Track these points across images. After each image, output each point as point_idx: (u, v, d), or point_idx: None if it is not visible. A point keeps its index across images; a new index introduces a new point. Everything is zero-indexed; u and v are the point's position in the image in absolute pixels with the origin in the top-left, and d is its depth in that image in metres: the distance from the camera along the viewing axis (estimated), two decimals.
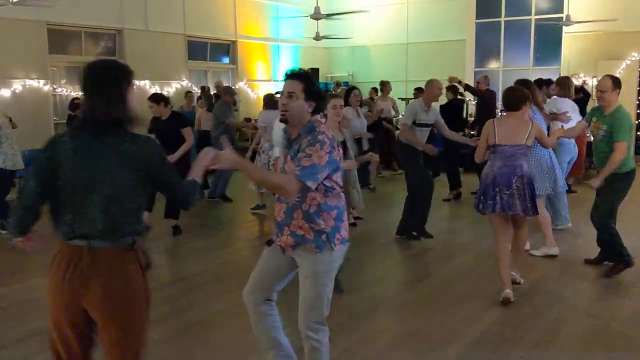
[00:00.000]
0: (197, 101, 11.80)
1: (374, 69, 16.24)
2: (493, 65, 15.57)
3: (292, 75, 3.00)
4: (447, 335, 4.26)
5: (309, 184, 2.85)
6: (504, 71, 14.76)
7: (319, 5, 13.12)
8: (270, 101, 8.21)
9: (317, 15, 13.10)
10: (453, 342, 4.13)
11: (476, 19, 15.14)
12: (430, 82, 6.75)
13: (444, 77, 8.92)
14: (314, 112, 3.03)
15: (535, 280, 5.40)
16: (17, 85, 10.18)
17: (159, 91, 12.40)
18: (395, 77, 14.19)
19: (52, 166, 2.43)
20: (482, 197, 4.78)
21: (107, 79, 2.47)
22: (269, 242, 3.29)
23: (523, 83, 5.89)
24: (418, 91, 10.27)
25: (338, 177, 3.06)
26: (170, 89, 12.75)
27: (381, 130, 10.56)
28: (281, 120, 3.04)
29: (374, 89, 12.73)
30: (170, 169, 2.58)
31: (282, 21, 15.60)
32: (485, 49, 15.62)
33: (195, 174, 2.65)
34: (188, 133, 7.02)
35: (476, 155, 4.95)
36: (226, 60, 14.71)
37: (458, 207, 9.06)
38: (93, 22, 11.39)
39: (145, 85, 12.21)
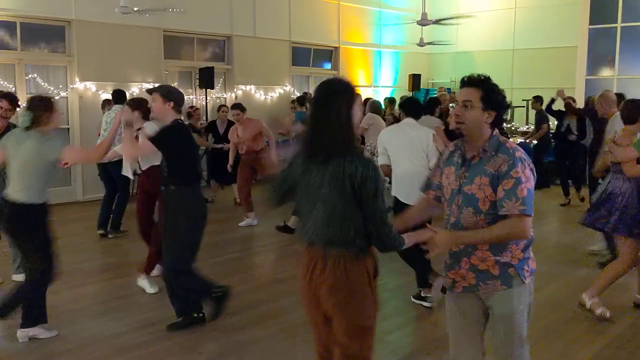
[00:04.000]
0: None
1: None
2: (606, 73, 14.77)
3: (468, 82, 2.66)
4: (558, 357, 4.10)
5: (531, 214, 2.53)
6: (619, 80, 13.97)
7: (426, 12, 13.02)
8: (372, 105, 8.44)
9: (423, 22, 12.98)
10: None
11: (590, 24, 14.45)
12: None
13: (552, 85, 8.53)
14: (495, 125, 2.65)
15: None
16: (135, 89, 10.82)
17: (263, 97, 12.84)
18: (500, 85, 13.70)
19: None
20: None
21: None
22: (444, 290, 2.85)
23: None
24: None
25: None
26: (274, 94, 13.11)
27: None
28: (455, 131, 2.73)
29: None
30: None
31: (385, 27, 15.60)
32: (598, 56, 14.84)
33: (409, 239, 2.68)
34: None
35: None
36: (328, 66, 14.89)
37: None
38: (205, 29, 11.92)
39: (250, 90, 12.62)
